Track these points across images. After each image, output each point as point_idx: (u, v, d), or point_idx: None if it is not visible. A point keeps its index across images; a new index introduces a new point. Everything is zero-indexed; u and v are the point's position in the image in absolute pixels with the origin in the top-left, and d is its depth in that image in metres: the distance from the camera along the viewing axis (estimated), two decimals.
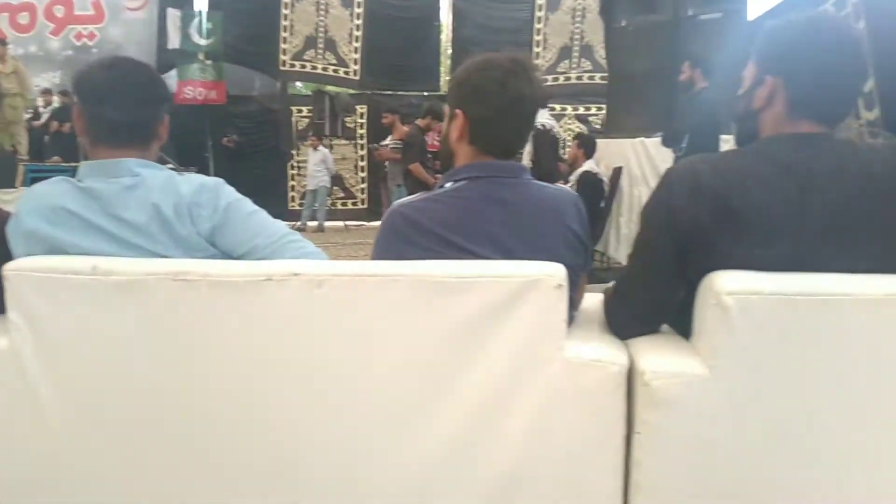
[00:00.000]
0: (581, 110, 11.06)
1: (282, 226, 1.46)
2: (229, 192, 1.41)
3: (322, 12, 10.93)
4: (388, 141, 7.22)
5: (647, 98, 5.54)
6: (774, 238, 1.15)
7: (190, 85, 10.03)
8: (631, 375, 1.19)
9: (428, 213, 1.35)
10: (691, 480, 1.17)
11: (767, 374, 1.14)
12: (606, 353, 1.21)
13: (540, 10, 10.81)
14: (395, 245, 1.35)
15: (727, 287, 1.12)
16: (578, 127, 10.61)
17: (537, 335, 1.19)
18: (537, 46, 10.95)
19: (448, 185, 1.40)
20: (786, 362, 1.13)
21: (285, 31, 10.82)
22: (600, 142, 5.96)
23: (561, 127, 10.41)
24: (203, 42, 10.09)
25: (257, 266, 1.24)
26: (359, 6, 11.00)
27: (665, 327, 1.37)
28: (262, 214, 1.44)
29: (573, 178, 5.43)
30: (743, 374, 1.14)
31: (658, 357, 1.20)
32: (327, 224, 10.32)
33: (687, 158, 1.28)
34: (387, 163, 7.35)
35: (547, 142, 4.64)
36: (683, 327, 1.27)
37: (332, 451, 1.24)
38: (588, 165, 5.60)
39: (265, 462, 1.25)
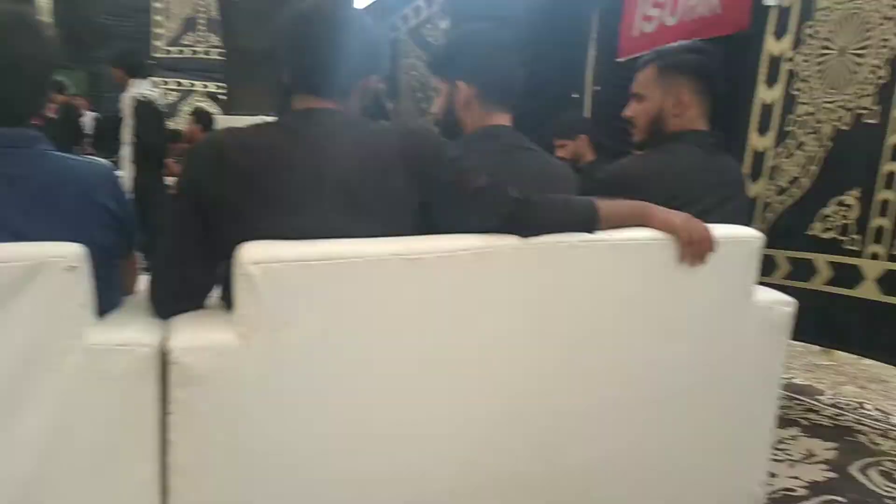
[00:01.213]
0: (212, 87, 10.65)
1: None
2: None
3: None
4: None
5: (267, 76, 5.53)
6: (298, 208, 1.21)
7: None
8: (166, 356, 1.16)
9: None
10: (230, 454, 1.17)
11: (296, 339, 1.18)
12: (134, 336, 1.15)
13: None
14: None
15: (251, 257, 1.14)
16: (210, 106, 10.19)
17: (50, 324, 1.08)
18: (157, 14, 10.21)
19: None
20: (312, 325, 1.19)
21: None
22: (221, 118, 5.81)
23: (190, 104, 9.94)
24: None
25: None
26: None
27: (215, 302, 1.36)
28: None
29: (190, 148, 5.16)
30: (273, 340, 1.17)
31: (191, 333, 1.17)
32: None
33: (213, 131, 1.28)
34: None
35: (150, 114, 4.32)
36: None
37: None
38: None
39: None
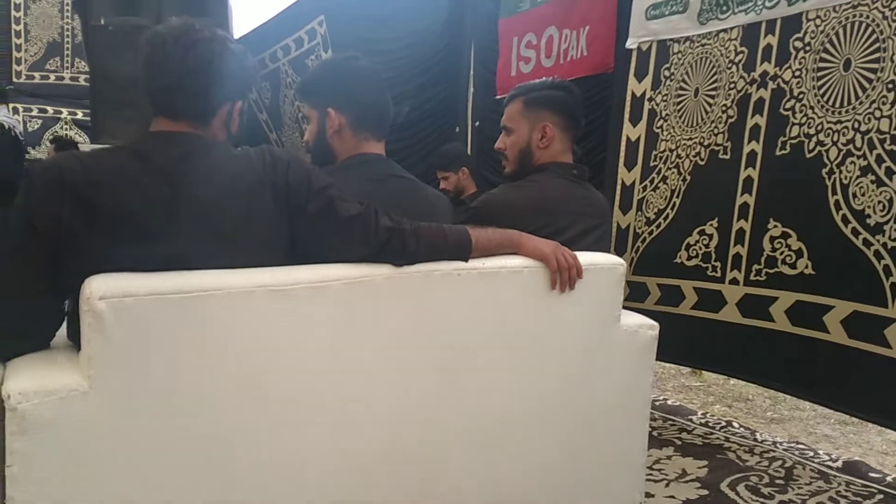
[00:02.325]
0: (80, 115, 10.06)
1: None
2: None
3: None
4: None
5: (136, 103, 5.29)
6: (152, 238, 1.14)
7: None
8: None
9: None
10: None
11: (150, 377, 1.11)
12: None
13: None
14: None
15: (98, 291, 1.06)
16: (78, 134, 9.61)
17: None
18: (17, 37, 9.59)
19: None
20: (168, 365, 1.12)
21: None
22: (86, 147, 5.49)
23: (53, 132, 9.34)
24: None
25: None
26: None
27: (62, 341, 1.25)
28: None
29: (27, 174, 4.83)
30: (124, 381, 1.09)
31: (32, 375, 1.07)
32: None
33: (54, 155, 1.19)
34: None
35: (7, 143, 4.01)
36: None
37: None
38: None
39: None
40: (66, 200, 1.09)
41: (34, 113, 9.46)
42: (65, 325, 1.25)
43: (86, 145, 5.71)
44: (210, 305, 1.14)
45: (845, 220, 2.06)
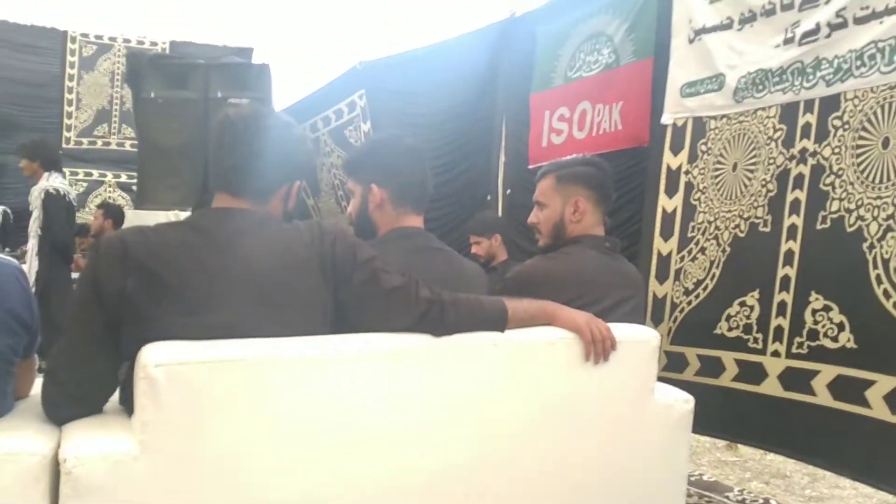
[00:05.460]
0: (123, 178, 10.41)
1: None
2: None
3: None
4: None
5: (180, 171, 5.48)
6: (205, 308, 1.18)
7: None
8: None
9: None
10: None
11: (202, 442, 1.13)
12: (24, 444, 1.08)
13: (72, 67, 9.98)
14: None
15: (154, 359, 1.09)
16: (121, 196, 9.93)
17: None
18: (69, 105, 10.05)
19: None
20: (219, 431, 1.14)
21: None
22: (130, 213, 5.66)
23: (101, 196, 9.67)
24: None
25: None
26: None
27: (113, 406, 1.29)
28: None
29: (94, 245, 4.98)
30: (176, 445, 1.12)
31: (86, 440, 1.11)
32: None
33: (122, 229, 1.26)
34: None
35: (61, 208, 4.19)
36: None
37: None
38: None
39: None
40: (130, 272, 1.14)
41: (80, 176, 9.81)
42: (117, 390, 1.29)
43: (129, 211, 5.90)
44: (260, 373, 1.17)
45: (886, 295, 2.03)
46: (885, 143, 2.08)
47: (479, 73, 4.05)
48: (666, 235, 2.80)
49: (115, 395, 1.30)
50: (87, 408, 1.22)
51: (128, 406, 1.24)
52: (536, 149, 3.63)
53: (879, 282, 2.06)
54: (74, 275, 4.40)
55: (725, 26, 2.58)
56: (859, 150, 2.16)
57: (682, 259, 2.74)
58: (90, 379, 1.22)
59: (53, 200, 4.15)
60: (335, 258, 1.32)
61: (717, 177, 2.64)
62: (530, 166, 3.62)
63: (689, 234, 2.72)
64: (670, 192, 2.79)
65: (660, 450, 1.67)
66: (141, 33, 10.10)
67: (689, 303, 2.71)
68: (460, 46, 4.13)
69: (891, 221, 2.04)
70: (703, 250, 2.67)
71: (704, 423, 1.90)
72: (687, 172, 2.74)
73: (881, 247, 2.06)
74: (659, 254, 2.82)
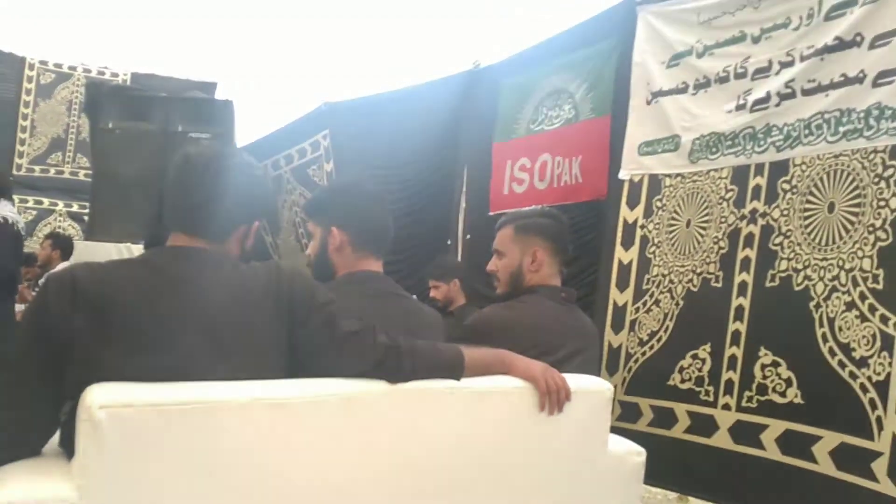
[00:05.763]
0: (75, 208, 10.17)
1: None
2: None
3: None
4: None
5: (134, 204, 5.38)
6: (157, 348, 1.15)
7: None
8: None
9: None
10: None
11: (144, 489, 1.09)
12: None
13: (28, 93, 9.80)
14: None
15: (99, 400, 1.06)
16: (72, 226, 9.69)
17: None
18: (23, 132, 9.84)
19: None
20: (162, 477, 1.11)
21: None
22: (80, 244, 5.53)
23: (50, 225, 9.42)
24: None
25: None
26: None
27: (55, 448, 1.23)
28: None
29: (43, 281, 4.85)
30: (116, 492, 1.07)
31: (22, 484, 1.06)
32: None
33: (67, 266, 1.22)
34: None
35: (9, 237, 4.04)
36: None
37: None
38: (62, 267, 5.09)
39: None
40: (79, 308, 1.11)
41: (30, 204, 9.56)
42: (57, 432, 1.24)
43: (79, 242, 5.76)
44: (209, 418, 1.14)
45: (832, 353, 2.09)
46: (831, 208, 2.17)
47: (442, 120, 4.12)
48: (622, 286, 2.84)
49: (55, 437, 1.25)
50: (25, 450, 1.17)
51: (68, 448, 1.18)
52: (497, 196, 3.68)
53: (825, 340, 2.11)
54: (19, 307, 4.24)
55: (681, 90, 2.68)
56: (806, 213, 2.24)
57: (637, 310, 2.78)
58: (30, 419, 1.16)
59: (1, 229, 4.01)
60: (292, 300, 1.31)
61: (671, 232, 2.70)
62: (491, 212, 3.67)
63: (644, 287, 2.77)
64: (626, 245, 2.84)
65: (612, 501, 1.67)
66: (102, 64, 9.98)
67: (644, 353, 2.74)
68: (425, 93, 4.19)
69: (836, 282, 2.11)
70: (657, 302, 2.71)
71: (656, 474, 1.91)
72: (643, 227, 2.80)
73: (826, 306, 2.13)
74: (615, 304, 2.86)
